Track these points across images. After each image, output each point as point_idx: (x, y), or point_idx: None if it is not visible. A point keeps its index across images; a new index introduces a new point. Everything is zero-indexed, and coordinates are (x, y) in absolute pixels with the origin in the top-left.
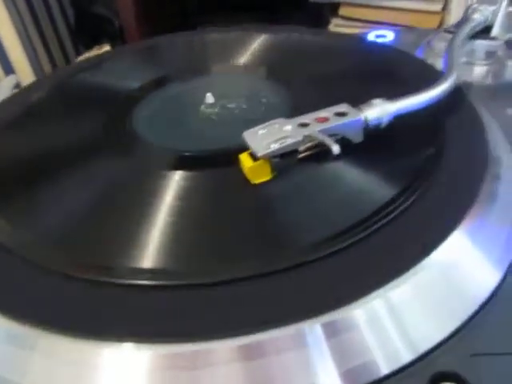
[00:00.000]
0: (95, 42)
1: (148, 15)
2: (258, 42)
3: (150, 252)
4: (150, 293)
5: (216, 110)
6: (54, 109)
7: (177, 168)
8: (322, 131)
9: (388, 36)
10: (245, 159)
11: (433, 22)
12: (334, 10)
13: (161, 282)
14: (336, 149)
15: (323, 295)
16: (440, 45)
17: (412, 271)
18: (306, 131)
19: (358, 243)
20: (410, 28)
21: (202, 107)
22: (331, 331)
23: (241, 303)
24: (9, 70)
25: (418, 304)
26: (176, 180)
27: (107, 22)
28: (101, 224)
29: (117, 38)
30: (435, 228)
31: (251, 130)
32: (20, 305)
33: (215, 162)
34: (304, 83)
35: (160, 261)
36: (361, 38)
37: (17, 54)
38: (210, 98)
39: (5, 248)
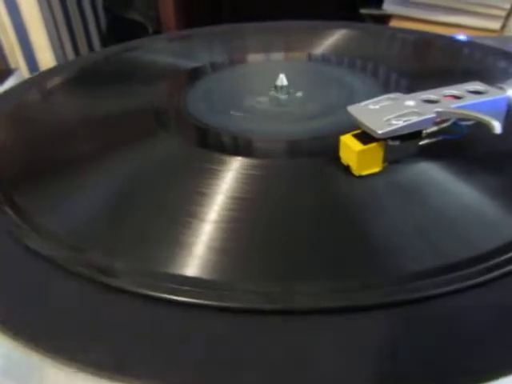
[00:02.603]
0: None
1: (187, 15)
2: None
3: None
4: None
5: (289, 95)
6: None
7: (243, 154)
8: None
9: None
10: (350, 141)
11: None
12: (383, 22)
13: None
14: (498, 126)
15: None
16: None
17: None
18: (436, 107)
19: None
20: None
21: (273, 91)
22: None
23: None
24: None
25: None
26: (244, 171)
27: (141, 28)
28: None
29: None
30: None
31: (358, 104)
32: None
33: (298, 149)
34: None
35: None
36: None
37: (47, 57)
38: (282, 79)
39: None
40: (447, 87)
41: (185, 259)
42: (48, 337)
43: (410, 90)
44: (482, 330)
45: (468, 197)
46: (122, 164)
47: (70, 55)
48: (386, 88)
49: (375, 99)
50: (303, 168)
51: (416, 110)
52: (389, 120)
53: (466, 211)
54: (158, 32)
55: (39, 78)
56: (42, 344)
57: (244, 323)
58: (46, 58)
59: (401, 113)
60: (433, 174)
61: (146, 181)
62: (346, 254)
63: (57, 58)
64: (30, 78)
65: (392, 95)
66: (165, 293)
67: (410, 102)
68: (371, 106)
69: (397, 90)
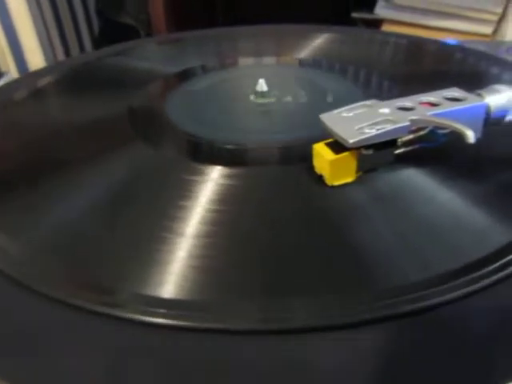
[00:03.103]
0: None
1: (178, 18)
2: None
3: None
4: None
5: (269, 99)
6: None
7: (219, 163)
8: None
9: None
10: (322, 150)
11: None
12: (374, 27)
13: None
14: (471, 136)
15: None
16: None
17: None
18: (411, 115)
19: None
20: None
21: (252, 96)
22: None
23: None
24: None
25: None
26: (217, 180)
27: (133, 32)
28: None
29: None
30: None
31: (330, 112)
32: None
33: (271, 157)
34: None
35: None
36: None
37: (37, 60)
38: (262, 85)
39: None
40: (424, 94)
41: (162, 278)
42: None
43: (394, 95)
44: (481, 339)
45: (448, 205)
46: (93, 175)
47: (61, 58)
48: (370, 93)
49: (349, 106)
50: (281, 176)
51: (390, 118)
52: (361, 128)
53: (447, 220)
54: (149, 35)
55: (16, 84)
56: None
57: (232, 345)
58: (37, 62)
59: (374, 121)
60: (410, 183)
61: (119, 193)
62: (328, 268)
63: (47, 61)
64: (4, 84)
65: (368, 102)
66: (141, 314)
67: (385, 110)
68: (344, 114)
69: (382, 95)
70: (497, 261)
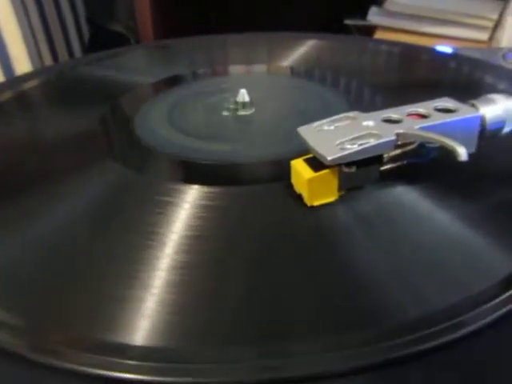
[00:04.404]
0: None
1: (167, 26)
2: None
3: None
4: None
5: (250, 111)
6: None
7: (193, 182)
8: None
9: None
10: (300, 167)
11: None
12: (368, 34)
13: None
14: (463, 153)
15: None
16: None
17: None
18: (397, 128)
19: None
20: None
21: (232, 108)
22: None
23: None
24: None
25: None
26: (192, 201)
27: (123, 40)
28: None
29: None
30: None
31: (309, 125)
32: None
33: (247, 175)
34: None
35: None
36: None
37: (24, 68)
38: (244, 96)
39: None
40: (412, 105)
41: (133, 321)
42: None
43: (383, 105)
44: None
45: (443, 228)
46: (52, 200)
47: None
48: (358, 103)
49: (331, 118)
50: (260, 196)
51: (374, 132)
52: (342, 144)
53: (443, 245)
54: (138, 43)
55: None
56: None
57: None
58: (24, 70)
59: (357, 135)
60: (399, 203)
61: (85, 218)
62: (310, 308)
63: (35, 69)
64: None
65: (350, 114)
66: (109, 369)
67: (369, 122)
68: (325, 127)
69: (370, 105)
70: (501, 294)
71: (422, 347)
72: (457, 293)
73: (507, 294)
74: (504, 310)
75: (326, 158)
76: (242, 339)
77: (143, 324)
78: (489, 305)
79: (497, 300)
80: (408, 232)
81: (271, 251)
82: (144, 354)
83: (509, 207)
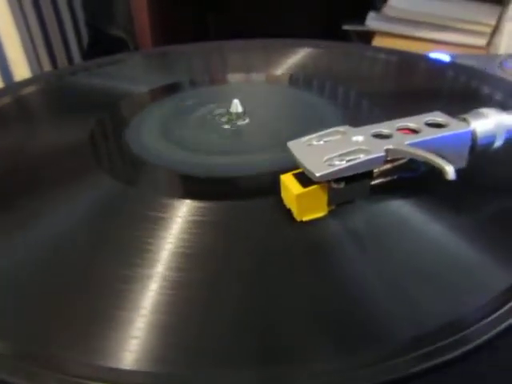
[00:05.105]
0: None
1: (166, 32)
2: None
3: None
4: None
5: (243, 122)
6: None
7: (184, 196)
8: (413, 146)
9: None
10: (289, 182)
11: None
12: (367, 39)
13: None
14: (451, 172)
15: None
16: None
17: None
18: (387, 144)
19: None
20: (462, 54)
21: (226, 119)
22: None
23: None
24: None
25: None
26: (183, 216)
27: (122, 45)
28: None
29: None
30: None
31: (299, 140)
32: None
33: (237, 189)
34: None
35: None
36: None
37: (23, 72)
38: (237, 106)
39: None
40: (403, 119)
41: (122, 343)
42: None
43: (377, 117)
44: None
45: (438, 243)
46: (44, 213)
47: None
48: (352, 115)
49: (321, 133)
50: (252, 211)
51: (363, 148)
52: (330, 159)
53: (439, 261)
54: (137, 49)
55: None
56: None
57: None
58: (22, 74)
59: (346, 150)
60: (389, 217)
61: (72, 233)
62: (309, 326)
63: (33, 73)
64: None
65: (341, 128)
66: None
67: (359, 138)
68: (314, 142)
69: (364, 117)
70: (499, 308)
71: (423, 366)
72: (455, 308)
73: (507, 307)
74: (503, 325)
75: (314, 175)
76: (237, 362)
77: (133, 347)
78: (488, 319)
79: (496, 314)
80: (401, 247)
81: (264, 269)
82: (134, 379)
83: (503, 219)
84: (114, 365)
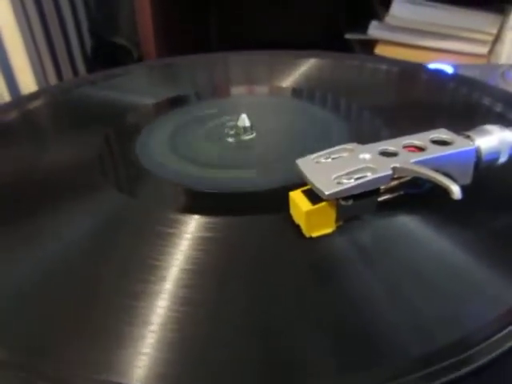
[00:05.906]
0: None
1: (169, 41)
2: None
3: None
4: None
5: (251, 136)
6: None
7: (192, 212)
8: (419, 164)
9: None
10: (299, 199)
11: None
12: (369, 48)
13: None
14: (457, 191)
15: None
16: None
17: None
18: (394, 162)
19: None
20: (465, 64)
21: (234, 133)
22: None
23: None
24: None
25: None
26: (193, 232)
27: (126, 53)
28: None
29: None
30: None
31: (307, 157)
32: None
33: (245, 205)
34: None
35: None
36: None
37: (27, 80)
38: (244, 120)
39: None
40: (409, 136)
41: (131, 360)
42: None
43: (383, 132)
44: None
45: (442, 256)
46: (52, 229)
47: (52, 79)
48: (358, 130)
49: (328, 150)
50: (261, 227)
51: (371, 166)
52: (339, 177)
53: (445, 274)
54: (141, 58)
55: None
56: None
57: None
58: (27, 82)
59: (353, 169)
60: (395, 232)
61: (80, 249)
62: (317, 344)
63: (38, 81)
64: None
65: (348, 146)
66: None
67: (366, 155)
68: (322, 160)
69: (370, 132)
70: (507, 326)
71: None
72: (464, 326)
73: None
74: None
75: (323, 193)
76: (244, 381)
77: (141, 362)
78: (496, 337)
79: (505, 331)
80: (408, 262)
81: (273, 285)
82: None
83: (509, 234)
84: (122, 380)
